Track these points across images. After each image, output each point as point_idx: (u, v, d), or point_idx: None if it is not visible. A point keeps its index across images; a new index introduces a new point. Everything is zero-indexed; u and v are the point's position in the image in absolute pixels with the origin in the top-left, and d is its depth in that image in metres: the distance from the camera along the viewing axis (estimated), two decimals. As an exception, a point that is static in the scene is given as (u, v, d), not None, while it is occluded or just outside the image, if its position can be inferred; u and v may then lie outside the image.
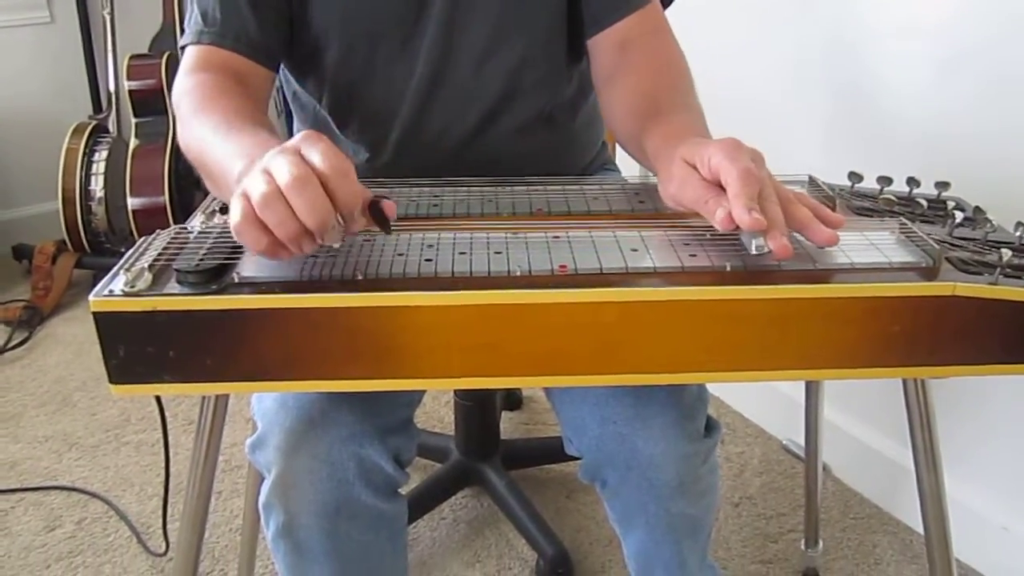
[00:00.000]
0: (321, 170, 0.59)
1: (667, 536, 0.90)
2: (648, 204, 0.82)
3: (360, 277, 0.65)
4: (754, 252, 0.65)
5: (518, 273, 0.65)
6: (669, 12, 0.98)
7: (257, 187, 0.59)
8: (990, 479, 1.28)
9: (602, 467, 0.88)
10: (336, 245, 0.64)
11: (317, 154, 0.60)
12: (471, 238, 0.71)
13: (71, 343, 2.02)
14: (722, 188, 0.66)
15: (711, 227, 0.69)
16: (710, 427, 0.88)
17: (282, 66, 0.97)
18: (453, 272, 0.65)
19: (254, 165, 0.62)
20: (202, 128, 0.77)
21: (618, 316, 0.63)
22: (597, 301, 0.63)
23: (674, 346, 0.65)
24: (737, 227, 0.64)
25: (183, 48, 0.89)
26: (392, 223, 0.66)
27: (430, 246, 0.69)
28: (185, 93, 0.83)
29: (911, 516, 1.40)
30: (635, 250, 0.69)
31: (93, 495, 1.50)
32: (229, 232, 0.71)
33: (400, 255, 0.68)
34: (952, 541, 0.88)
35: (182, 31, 0.98)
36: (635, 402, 0.83)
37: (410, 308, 0.62)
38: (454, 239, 0.71)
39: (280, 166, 0.59)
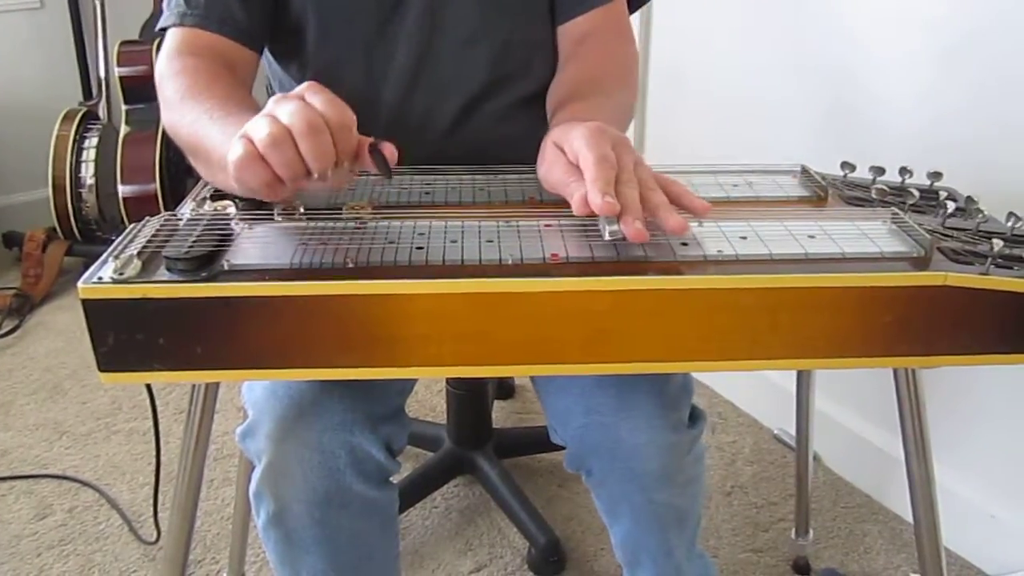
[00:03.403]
0: (328, 117, 0.61)
1: (652, 525, 0.90)
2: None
3: (351, 265, 0.64)
4: (607, 238, 0.65)
5: (510, 261, 0.65)
6: (664, 4, 0.98)
7: (262, 128, 0.61)
8: (978, 468, 1.28)
9: (586, 457, 0.88)
10: (326, 185, 0.65)
11: (322, 102, 0.62)
12: (463, 226, 0.71)
13: (62, 331, 2.01)
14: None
15: (701, 217, 0.69)
16: (695, 417, 0.88)
17: (267, 50, 0.97)
18: (444, 260, 0.65)
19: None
20: (193, 112, 0.76)
21: (610, 305, 0.63)
22: (589, 290, 0.63)
23: (666, 335, 0.65)
24: (592, 212, 0.65)
25: (163, 29, 0.88)
26: (392, 170, 0.67)
27: (421, 234, 0.69)
28: (172, 76, 0.82)
29: (900, 505, 1.41)
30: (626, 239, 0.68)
31: (84, 483, 1.50)
32: (219, 219, 0.71)
33: (391, 243, 0.67)
34: (941, 529, 0.89)
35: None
36: (619, 392, 0.83)
37: (401, 296, 0.62)
38: (445, 227, 0.71)
39: (288, 111, 0.61)
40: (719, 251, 0.67)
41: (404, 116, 0.94)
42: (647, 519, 0.89)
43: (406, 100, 0.93)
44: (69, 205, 2.19)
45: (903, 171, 0.83)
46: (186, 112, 0.78)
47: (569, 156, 0.69)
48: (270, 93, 1.11)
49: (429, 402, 1.73)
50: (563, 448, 0.91)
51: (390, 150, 0.66)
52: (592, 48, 0.94)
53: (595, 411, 0.84)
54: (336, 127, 0.62)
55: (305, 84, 0.65)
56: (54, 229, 2.24)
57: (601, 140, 0.67)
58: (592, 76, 0.91)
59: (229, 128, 0.71)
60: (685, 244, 0.68)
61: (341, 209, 0.73)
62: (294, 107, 0.62)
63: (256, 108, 0.79)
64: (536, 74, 0.97)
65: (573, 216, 0.71)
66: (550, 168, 0.72)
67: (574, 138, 0.68)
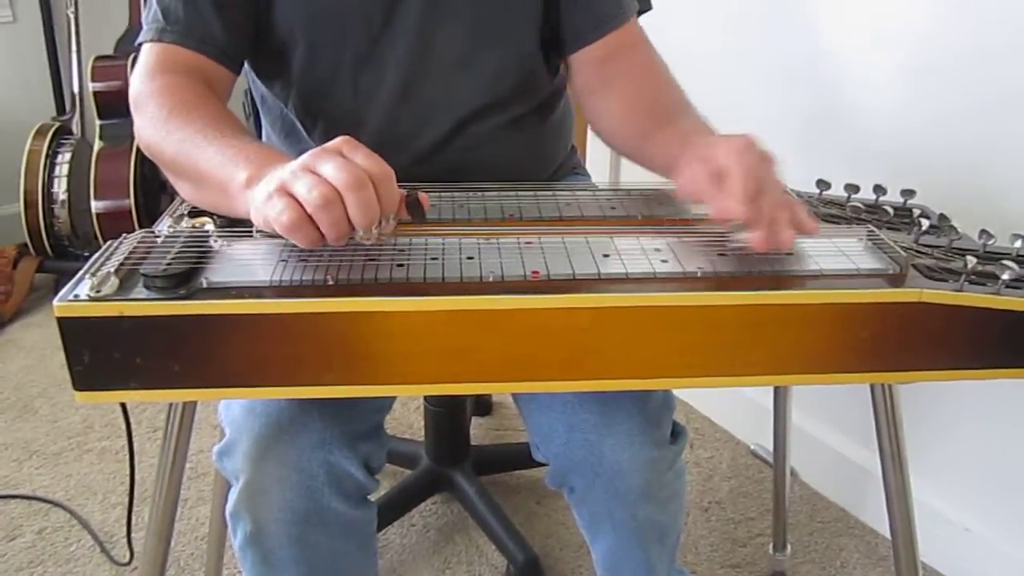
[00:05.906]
0: (371, 172, 0.61)
1: (634, 542, 0.90)
2: (619, 210, 0.82)
3: (331, 282, 0.64)
4: (736, 245, 0.69)
5: (490, 279, 0.65)
6: (642, 21, 0.99)
7: (309, 188, 0.60)
8: (951, 481, 1.30)
9: (569, 474, 0.88)
10: (368, 243, 0.66)
11: (363, 158, 0.62)
12: (443, 243, 0.71)
13: (32, 349, 1.98)
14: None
15: (682, 232, 0.70)
16: (676, 433, 0.89)
17: (250, 68, 0.96)
18: (425, 277, 0.65)
19: (279, 170, 0.63)
20: (181, 132, 0.75)
21: (590, 322, 0.63)
22: (570, 307, 0.63)
23: (646, 352, 0.65)
24: (729, 219, 0.69)
25: (140, 45, 0.87)
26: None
27: (402, 251, 0.69)
28: (153, 94, 0.81)
29: (876, 519, 1.42)
30: (607, 256, 0.69)
31: (55, 504, 1.47)
32: (197, 236, 0.71)
33: (372, 260, 0.67)
34: (918, 543, 0.90)
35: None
36: (601, 409, 0.83)
37: (381, 314, 0.62)
38: (426, 244, 0.70)
39: (332, 169, 0.61)
40: (698, 268, 0.67)
41: (390, 137, 0.93)
42: (629, 535, 0.89)
43: (393, 121, 0.92)
44: (41, 221, 2.17)
45: (877, 189, 0.84)
46: (172, 131, 0.76)
47: (713, 167, 0.72)
48: (246, 111, 1.10)
49: (406, 419, 1.72)
50: (542, 465, 0.91)
51: (424, 199, 0.67)
52: (630, 64, 0.94)
53: (578, 428, 0.84)
54: (379, 181, 0.62)
55: (341, 139, 0.64)
56: (25, 245, 2.20)
57: (748, 153, 0.71)
58: (662, 92, 0.92)
59: (228, 150, 0.71)
60: (665, 261, 0.68)
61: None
62: (338, 164, 0.61)
63: (241, 126, 0.79)
64: (524, 99, 0.97)
65: (552, 233, 0.72)
66: (692, 178, 0.74)
67: (723, 150, 0.71)
